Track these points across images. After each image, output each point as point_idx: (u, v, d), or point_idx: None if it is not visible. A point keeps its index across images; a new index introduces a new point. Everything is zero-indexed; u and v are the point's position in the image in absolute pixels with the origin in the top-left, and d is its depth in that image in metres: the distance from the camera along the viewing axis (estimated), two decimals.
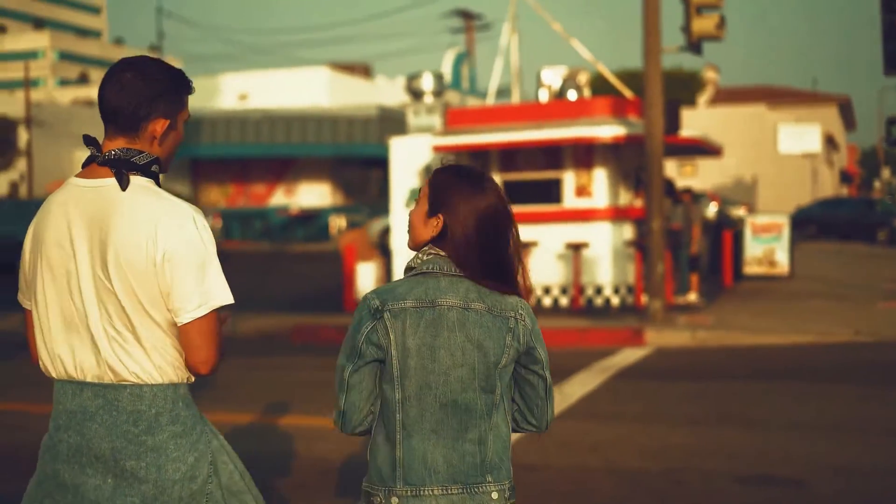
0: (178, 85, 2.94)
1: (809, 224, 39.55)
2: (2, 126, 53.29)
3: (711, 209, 44.79)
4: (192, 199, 35.02)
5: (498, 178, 17.87)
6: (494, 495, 2.82)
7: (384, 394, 2.83)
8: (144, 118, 2.85)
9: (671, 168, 58.23)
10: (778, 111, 61.03)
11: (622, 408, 9.46)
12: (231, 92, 36.94)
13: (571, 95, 18.87)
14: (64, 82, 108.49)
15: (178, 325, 2.79)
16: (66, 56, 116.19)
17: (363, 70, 42.67)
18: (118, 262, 2.76)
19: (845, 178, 76.07)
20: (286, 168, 33.90)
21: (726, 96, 71.92)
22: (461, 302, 2.81)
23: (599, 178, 17.36)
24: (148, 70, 2.88)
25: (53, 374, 2.90)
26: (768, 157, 56.85)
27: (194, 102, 30.12)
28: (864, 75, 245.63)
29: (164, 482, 2.78)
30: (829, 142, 65.05)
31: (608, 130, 16.66)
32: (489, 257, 2.84)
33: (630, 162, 17.75)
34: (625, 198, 18.08)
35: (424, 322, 2.78)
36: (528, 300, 2.94)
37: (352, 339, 2.84)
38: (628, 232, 17.49)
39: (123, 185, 2.80)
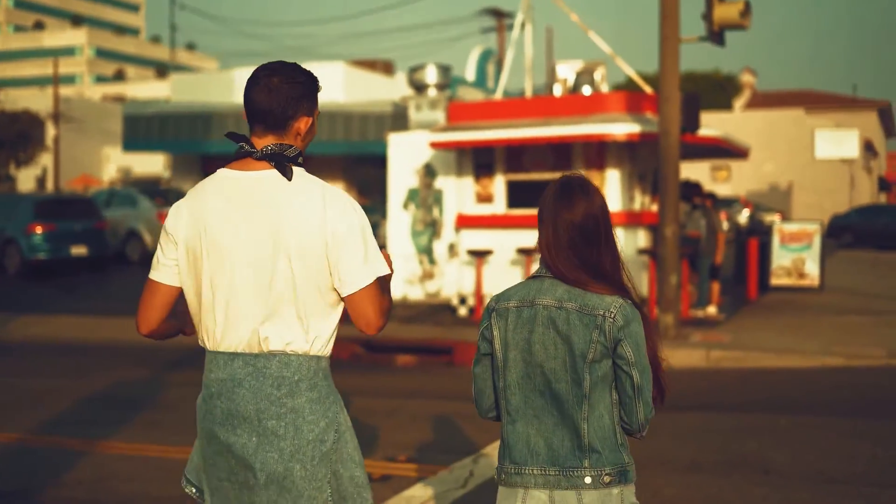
0: (314, 86, 3.27)
1: (846, 232, 37.91)
2: (26, 121, 52.65)
3: (744, 215, 43.42)
4: None
5: (502, 179, 16.55)
6: (588, 479, 3.03)
7: (494, 383, 3.22)
8: (292, 117, 3.21)
9: (703, 172, 56.68)
10: (816, 116, 59.26)
11: None
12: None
13: (586, 91, 17.50)
14: (100, 79, 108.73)
15: (347, 295, 3.12)
16: (102, 53, 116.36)
17: (384, 66, 41.37)
18: (290, 243, 3.09)
19: (884, 185, 74.04)
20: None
21: (763, 100, 70.26)
22: (556, 302, 3.08)
23: (612, 179, 15.98)
24: (291, 74, 3.21)
25: (208, 346, 3.22)
26: (805, 163, 55.09)
27: (207, 97, 28.87)
28: None
29: (300, 441, 3.10)
30: (868, 148, 63.15)
31: (622, 128, 15.26)
32: (576, 263, 3.10)
33: (646, 163, 16.35)
34: (640, 202, 16.68)
35: (522, 320, 3.12)
36: (637, 301, 3.15)
37: (479, 335, 3.24)
38: (643, 239, 16.08)
39: (288, 175, 3.14)
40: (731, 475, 7.29)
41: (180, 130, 31.96)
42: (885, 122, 75.65)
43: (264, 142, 3.21)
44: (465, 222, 16.68)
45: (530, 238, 16.89)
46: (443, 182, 17.04)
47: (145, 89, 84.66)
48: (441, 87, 18.00)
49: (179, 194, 27.69)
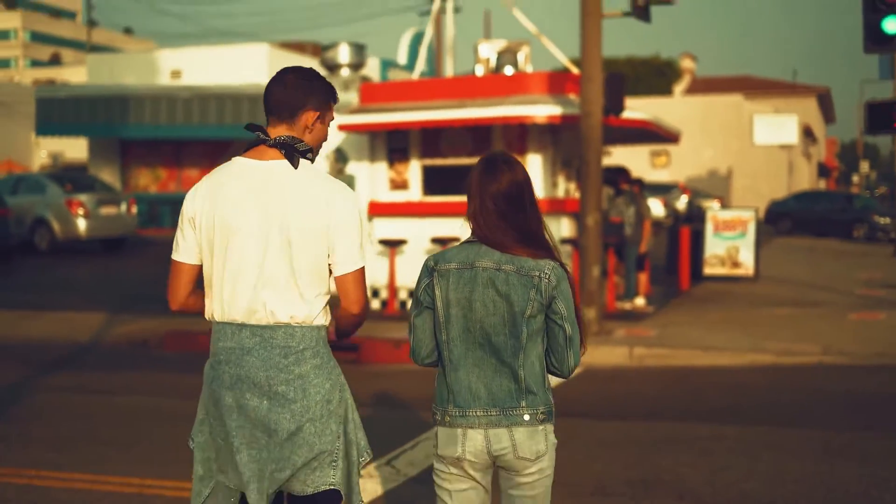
0: (327, 90, 3.66)
1: (784, 218, 37.33)
2: None
3: (682, 201, 42.75)
4: (121, 184, 32.50)
5: (418, 164, 15.55)
6: (526, 416, 3.49)
7: (436, 336, 3.60)
8: (300, 108, 3.56)
9: (642, 158, 56.06)
10: (755, 101, 58.87)
11: None
12: (167, 70, 34.35)
13: (508, 71, 16.51)
14: (35, 63, 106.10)
15: (339, 276, 3.51)
16: (38, 37, 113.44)
17: (313, 49, 40.12)
18: (293, 227, 3.44)
19: (823, 171, 74.06)
20: (222, 152, 31.33)
21: (704, 86, 69.93)
22: (494, 264, 3.49)
23: (534, 164, 15.00)
24: (306, 74, 3.63)
25: (217, 318, 3.53)
26: (744, 149, 54.66)
27: (127, 79, 27.36)
28: (845, 69, 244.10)
29: (308, 402, 3.46)
30: (808, 134, 62.95)
31: (543, 110, 14.28)
32: (504, 228, 3.52)
33: (571, 147, 15.38)
34: (563, 188, 15.75)
35: (463, 280, 3.51)
36: (562, 261, 3.56)
37: (416, 290, 3.63)
38: (566, 227, 15.15)
39: (295, 164, 3.51)
40: (640, 501, 6.35)
41: (96, 114, 30.49)
42: (825, 108, 75.65)
43: (277, 132, 3.56)
44: (378, 210, 15.63)
45: (447, 226, 15.97)
46: (355, 168, 15.96)
47: (81, 73, 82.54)
48: (355, 66, 16.92)
49: (92, 181, 26.38)
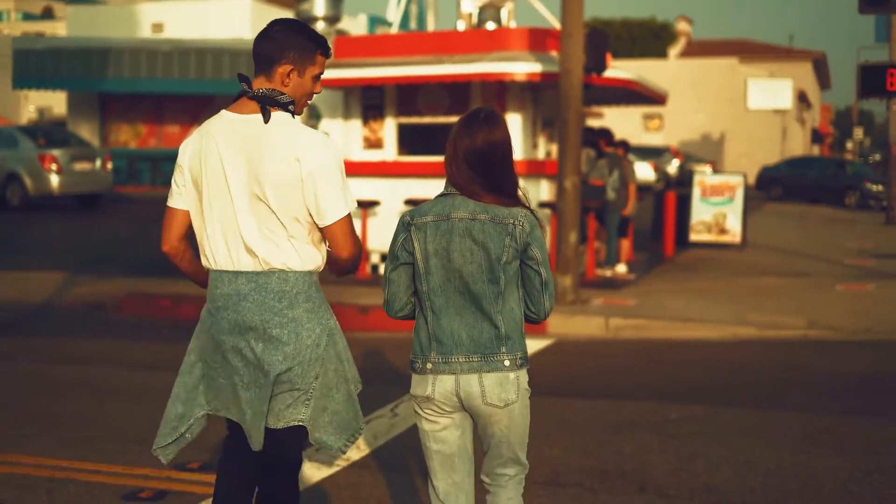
0: (307, 43, 3.69)
1: (776, 184, 36.69)
2: None
3: (673, 165, 42.06)
4: (100, 139, 31.76)
5: (393, 122, 14.92)
6: (506, 362, 3.62)
7: (417, 287, 3.70)
8: (276, 61, 3.65)
9: (636, 121, 55.39)
10: (750, 65, 58.02)
11: None
12: (149, 23, 33.48)
13: (490, 27, 15.84)
14: (28, 17, 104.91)
15: (324, 226, 3.61)
16: None
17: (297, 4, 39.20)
18: (270, 179, 3.56)
19: (817, 137, 73.39)
20: (203, 107, 30.59)
21: (699, 49, 68.95)
22: (469, 215, 3.60)
23: (513, 124, 14.37)
24: (290, 27, 3.70)
25: (213, 266, 3.70)
26: (738, 113, 53.94)
27: (106, 32, 26.52)
28: (842, 35, 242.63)
29: (300, 345, 3.63)
30: (802, 99, 62.25)
31: (522, 67, 13.61)
32: (481, 182, 3.63)
33: (552, 107, 14.71)
34: (544, 150, 15.14)
35: (441, 232, 3.61)
36: (531, 208, 3.70)
37: (391, 246, 3.72)
38: (545, 190, 14.54)
39: (266, 118, 3.60)
40: (597, 494, 5.80)
41: (74, 67, 29.68)
42: (821, 73, 74.87)
43: (258, 83, 3.67)
44: (350, 170, 14.94)
45: (422, 188, 15.33)
46: (328, 125, 15.31)
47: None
48: (331, 20, 16.21)
49: (67, 135, 25.70)
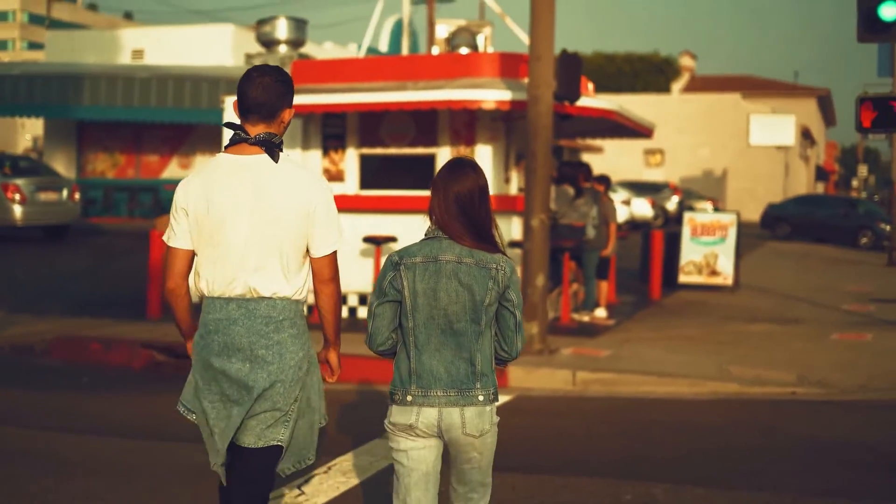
0: (292, 85, 4.11)
1: (782, 223, 35.34)
2: None
3: (673, 202, 40.97)
4: (77, 168, 30.74)
5: (355, 153, 13.86)
6: (480, 397, 3.87)
7: (402, 323, 3.90)
8: (280, 108, 4.01)
9: (636, 156, 54.45)
10: (753, 101, 57.16)
11: None
12: (129, 49, 32.52)
13: (463, 52, 14.84)
14: (33, 45, 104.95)
15: (316, 257, 4.00)
16: (36, 19, 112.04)
17: None
18: (277, 214, 3.90)
19: (821, 174, 72.32)
20: (184, 137, 29.64)
21: (702, 84, 68.26)
22: (456, 258, 3.86)
23: (483, 156, 13.32)
24: (279, 75, 4.02)
25: (206, 293, 3.99)
26: (740, 149, 52.94)
27: (86, 58, 25.51)
28: (847, 72, 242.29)
29: (284, 365, 3.93)
30: (806, 136, 61.30)
31: (491, 94, 12.53)
32: (467, 226, 3.88)
33: (527, 138, 13.69)
34: (517, 185, 14.07)
35: (429, 272, 3.84)
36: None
37: (379, 283, 3.92)
38: (517, 229, 13.42)
39: (276, 159, 3.95)
40: None
41: (49, 93, 28.67)
42: (825, 110, 74.05)
43: (257, 130, 4.00)
44: None
45: (384, 224, 14.27)
46: (286, 156, 14.27)
47: None
48: (294, 43, 15.24)
49: (35, 164, 24.73)
